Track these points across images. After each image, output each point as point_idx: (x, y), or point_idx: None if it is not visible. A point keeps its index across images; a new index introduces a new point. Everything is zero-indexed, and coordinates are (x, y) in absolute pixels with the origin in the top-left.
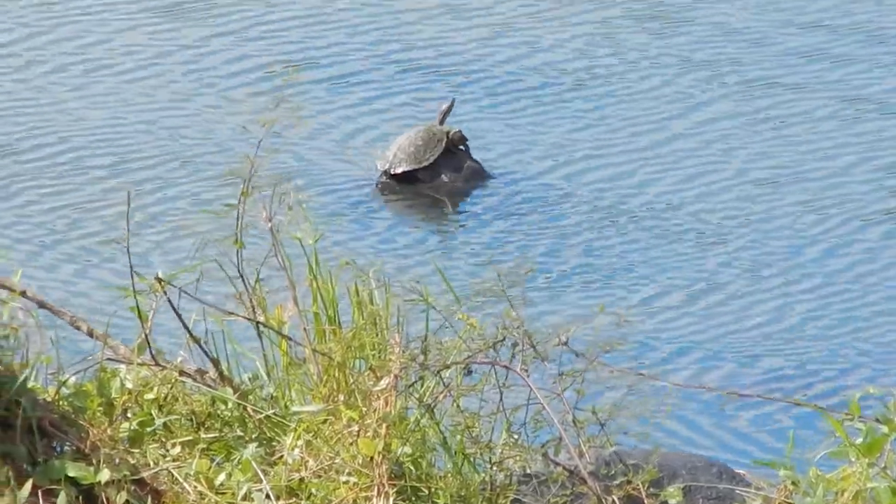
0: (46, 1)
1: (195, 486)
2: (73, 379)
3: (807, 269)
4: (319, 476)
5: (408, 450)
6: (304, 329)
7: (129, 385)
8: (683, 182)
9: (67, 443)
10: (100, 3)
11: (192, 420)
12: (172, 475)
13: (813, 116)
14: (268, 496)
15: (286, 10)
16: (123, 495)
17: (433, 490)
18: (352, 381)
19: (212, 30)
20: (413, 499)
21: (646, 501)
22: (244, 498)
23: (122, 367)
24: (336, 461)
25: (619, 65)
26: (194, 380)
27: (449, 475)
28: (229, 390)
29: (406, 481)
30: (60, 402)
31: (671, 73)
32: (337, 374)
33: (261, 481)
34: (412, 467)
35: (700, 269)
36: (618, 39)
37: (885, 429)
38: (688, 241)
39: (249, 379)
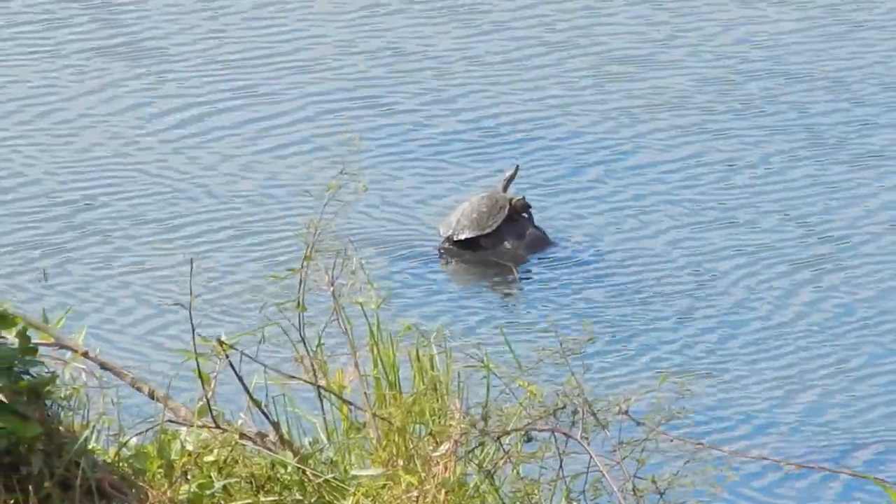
0: (119, 68)
1: None
2: (133, 440)
3: (871, 340)
4: None
5: None
6: (365, 393)
7: (189, 447)
8: (748, 254)
9: None
10: (161, 65)
11: (251, 483)
12: None
13: None
14: None
15: (349, 77)
16: None
17: None
18: (411, 446)
19: (276, 95)
20: None
21: None
22: None
23: (183, 429)
24: None
25: (680, 131)
26: (254, 443)
27: None
28: (289, 454)
29: None
30: (120, 464)
31: (737, 142)
32: (397, 439)
33: None
34: None
35: (762, 339)
36: (680, 106)
37: None
38: (751, 310)
39: (309, 443)
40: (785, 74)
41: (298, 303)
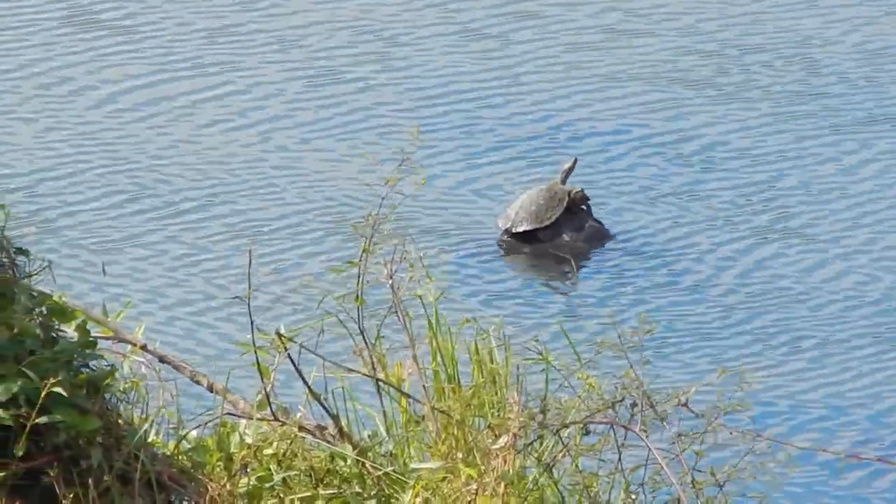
0: (169, 56)
1: None
2: (193, 433)
3: None
4: None
5: None
6: (424, 386)
7: (248, 440)
8: (809, 247)
9: (186, 497)
10: (222, 54)
11: (310, 476)
12: None
13: None
14: None
15: (411, 68)
16: None
17: None
18: (471, 439)
19: (336, 85)
20: None
21: None
22: None
23: (242, 422)
24: None
25: (739, 124)
26: (314, 436)
27: None
28: (348, 447)
29: None
30: (180, 457)
31: (792, 136)
32: (456, 432)
33: None
34: None
35: (825, 330)
36: (738, 98)
37: None
38: (813, 301)
39: (369, 436)
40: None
41: (357, 296)
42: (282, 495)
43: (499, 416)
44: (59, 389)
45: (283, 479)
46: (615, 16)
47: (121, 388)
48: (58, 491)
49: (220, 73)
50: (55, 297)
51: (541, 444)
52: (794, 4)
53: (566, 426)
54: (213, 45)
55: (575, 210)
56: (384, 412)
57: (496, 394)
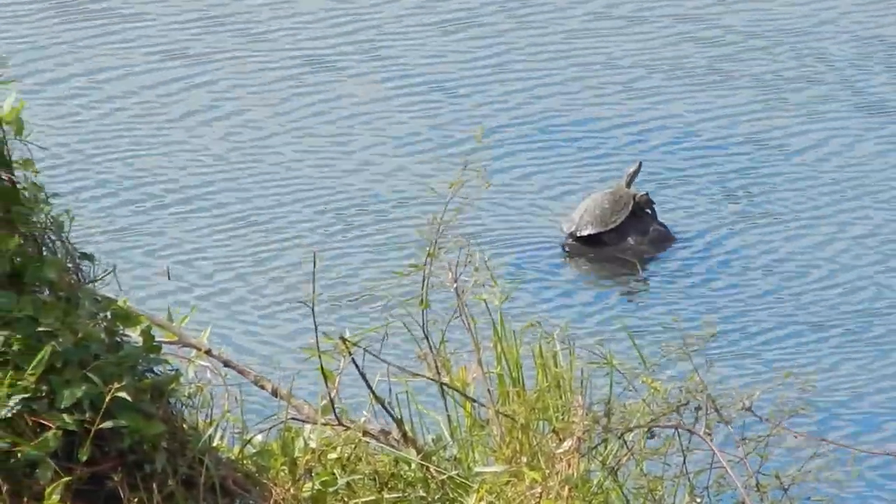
0: (234, 71)
1: None
2: (257, 438)
3: None
4: None
5: None
6: (488, 390)
7: (312, 445)
8: (875, 252)
9: (251, 501)
10: (289, 64)
11: (375, 480)
12: None
13: None
14: None
15: (474, 71)
16: None
17: None
18: (535, 442)
19: (400, 88)
20: None
21: None
22: None
23: (306, 426)
24: None
25: (801, 128)
26: (378, 440)
27: None
28: (413, 451)
29: None
30: (244, 461)
31: (853, 136)
32: (520, 436)
33: None
34: None
35: (889, 334)
36: (805, 105)
37: None
38: (878, 304)
39: (433, 440)
40: None
41: (422, 300)
42: (346, 499)
43: (563, 419)
44: (123, 394)
45: (347, 484)
46: (686, 25)
47: (185, 393)
48: (122, 495)
49: (285, 86)
50: (119, 302)
51: (605, 447)
52: None
53: (630, 430)
54: (277, 54)
55: (640, 214)
56: (448, 416)
57: (560, 397)
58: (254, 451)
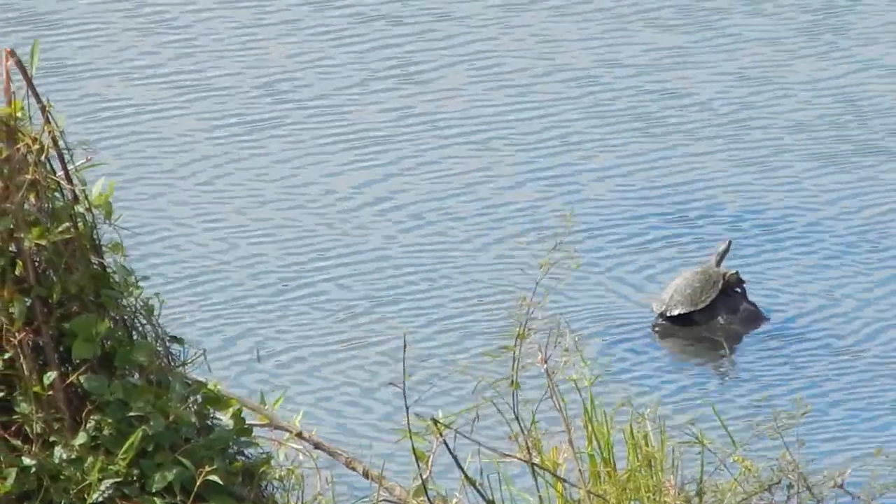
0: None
1: None
2: None
3: None
4: None
5: None
6: (580, 470)
7: None
8: None
9: None
10: (360, 143)
11: None
12: None
13: None
14: None
15: (560, 146)
16: None
17: None
18: None
19: (488, 168)
20: None
21: None
22: None
23: None
24: None
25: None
26: None
27: None
28: None
29: None
30: None
31: None
32: None
33: None
34: None
35: None
36: (884, 179)
37: None
38: None
39: None
40: None
41: (512, 381)
42: None
43: (655, 499)
44: (214, 478)
45: None
46: (771, 88)
47: (277, 476)
48: None
49: (367, 164)
50: (210, 385)
51: None
52: None
53: None
54: (336, 115)
55: (730, 293)
56: (540, 497)
57: (652, 477)
58: None
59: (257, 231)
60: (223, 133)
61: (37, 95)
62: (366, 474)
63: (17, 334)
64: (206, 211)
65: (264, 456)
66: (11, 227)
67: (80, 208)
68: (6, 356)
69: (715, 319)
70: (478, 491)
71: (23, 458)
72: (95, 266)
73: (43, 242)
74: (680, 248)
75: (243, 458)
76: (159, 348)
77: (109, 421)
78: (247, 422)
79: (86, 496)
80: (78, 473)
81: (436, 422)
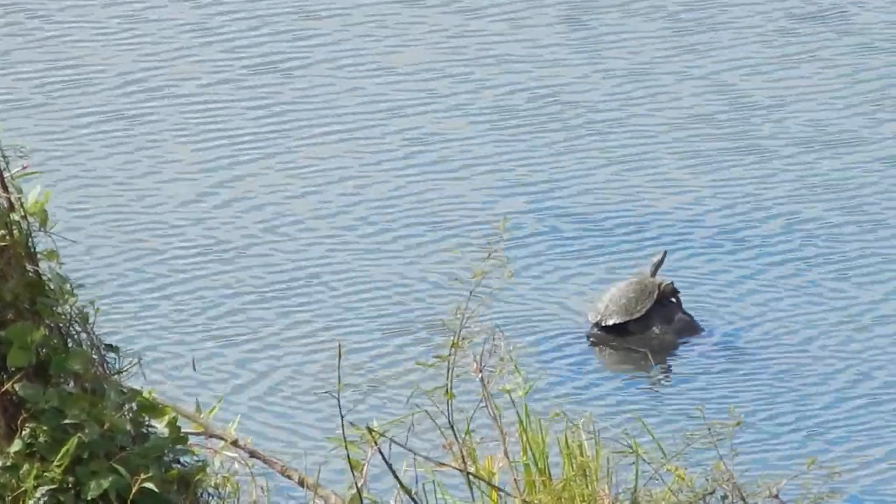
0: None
1: None
2: None
3: None
4: None
5: None
6: (515, 480)
7: None
8: None
9: None
10: (323, 142)
11: None
12: None
13: None
14: None
15: (493, 158)
16: None
17: None
18: None
19: (415, 173)
20: None
21: None
22: None
23: None
24: None
25: (840, 219)
26: None
27: None
28: None
29: None
30: None
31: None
32: None
33: None
34: None
35: None
36: (838, 193)
37: None
38: None
39: None
40: None
41: (447, 390)
42: None
43: None
44: (150, 485)
45: None
46: (719, 95)
47: (212, 484)
48: None
49: (318, 168)
50: (145, 393)
51: None
52: None
53: None
54: (316, 118)
55: (665, 303)
56: None
57: (587, 486)
58: None
59: (195, 239)
60: (172, 143)
61: None
62: (301, 482)
63: None
64: (139, 217)
65: (200, 464)
66: None
67: (15, 216)
68: None
69: (650, 329)
70: (412, 499)
71: None
72: (31, 274)
73: None
74: (615, 257)
75: (179, 466)
76: (94, 356)
77: (45, 428)
78: (182, 430)
79: (21, 503)
80: (13, 480)
81: (370, 430)
